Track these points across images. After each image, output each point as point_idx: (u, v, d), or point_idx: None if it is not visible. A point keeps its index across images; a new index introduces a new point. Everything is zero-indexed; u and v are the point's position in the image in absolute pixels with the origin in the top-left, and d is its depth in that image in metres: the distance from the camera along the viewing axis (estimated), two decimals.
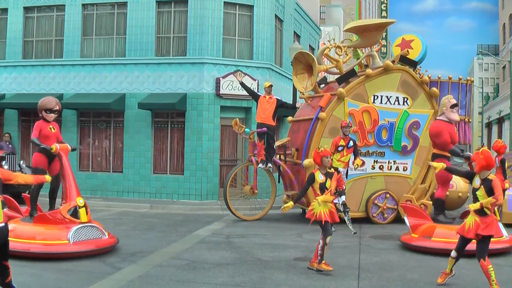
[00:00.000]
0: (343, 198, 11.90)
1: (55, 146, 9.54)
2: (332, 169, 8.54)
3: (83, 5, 19.03)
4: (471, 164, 10.61)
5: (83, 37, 19.06)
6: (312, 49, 25.99)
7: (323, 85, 15.58)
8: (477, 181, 7.20)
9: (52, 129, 9.79)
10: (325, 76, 16.60)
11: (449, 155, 11.09)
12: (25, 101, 18.49)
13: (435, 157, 11.09)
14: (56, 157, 9.74)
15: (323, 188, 8.28)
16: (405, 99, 14.01)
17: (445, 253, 8.19)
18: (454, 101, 11.22)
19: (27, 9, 19.67)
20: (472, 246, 7.32)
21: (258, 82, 17.88)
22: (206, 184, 17.59)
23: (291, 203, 8.37)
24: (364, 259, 9.34)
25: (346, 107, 13.53)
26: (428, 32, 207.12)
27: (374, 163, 13.83)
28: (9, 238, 8.83)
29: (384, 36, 56.38)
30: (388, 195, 13.70)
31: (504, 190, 11.18)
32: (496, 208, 10.25)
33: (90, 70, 18.78)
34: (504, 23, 49.72)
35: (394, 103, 13.94)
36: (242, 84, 14.58)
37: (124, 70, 18.48)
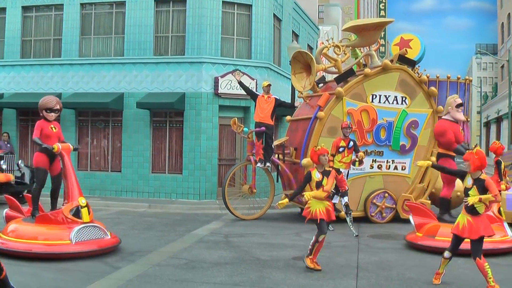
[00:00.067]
0: (345, 199, 11.95)
1: (57, 146, 9.46)
2: (330, 168, 8.55)
3: (82, 4, 19.01)
4: None
5: (81, 37, 19.04)
6: (310, 48, 26.00)
7: (322, 84, 15.58)
8: (469, 181, 7.22)
9: (53, 128, 9.70)
10: (323, 75, 16.59)
11: (454, 154, 11.08)
12: (23, 100, 18.48)
13: (439, 156, 11.09)
14: (58, 156, 9.69)
15: (319, 186, 8.30)
16: (404, 99, 14.02)
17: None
18: (459, 101, 11.23)
19: (25, 9, 19.65)
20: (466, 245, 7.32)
21: (256, 82, 17.87)
22: (205, 183, 17.59)
23: (286, 200, 8.36)
24: (362, 258, 9.35)
25: (345, 107, 13.54)
26: (427, 31, 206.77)
27: (372, 162, 13.85)
28: (11, 238, 8.87)
29: (382, 36, 56.34)
30: (386, 195, 13.71)
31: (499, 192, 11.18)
32: (501, 209, 10.30)
33: (89, 69, 18.77)
34: (503, 23, 49.77)
35: (392, 103, 13.95)
36: (240, 83, 14.58)
37: (123, 69, 18.47)
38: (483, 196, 6.96)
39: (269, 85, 14.29)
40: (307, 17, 25.81)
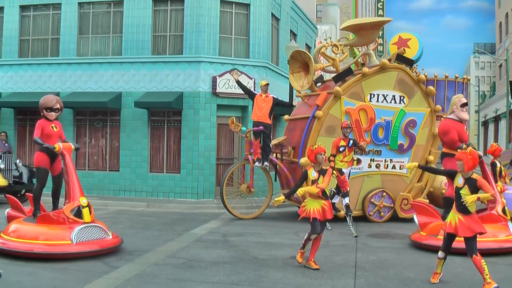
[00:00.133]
0: (346, 200, 11.97)
1: (58, 145, 9.40)
2: (330, 167, 8.57)
3: (79, 3, 18.98)
4: (482, 162, 10.70)
5: (79, 36, 19.02)
6: (308, 47, 26.00)
7: (320, 83, 15.59)
8: (460, 180, 7.24)
9: (54, 128, 9.63)
10: (321, 74, 16.60)
11: None
12: (21, 100, 18.45)
13: (444, 156, 11.08)
14: (59, 156, 9.64)
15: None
16: (402, 98, 14.03)
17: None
18: (464, 100, 11.22)
19: (23, 8, 19.61)
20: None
21: (254, 81, 17.88)
22: (203, 182, 17.59)
23: (282, 197, 8.45)
24: (360, 257, 9.35)
25: (343, 106, 13.54)
26: (425, 30, 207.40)
27: (370, 161, 13.85)
28: (12, 238, 8.85)
29: (380, 35, 56.39)
30: (384, 194, 13.72)
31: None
32: (506, 208, 10.29)
33: (87, 68, 18.75)
34: (501, 22, 49.85)
35: (390, 102, 13.95)
36: (238, 82, 14.58)
37: (121, 68, 18.45)
38: (481, 195, 6.98)
39: (267, 84, 14.30)
40: (305, 16, 25.81)
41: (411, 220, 13.70)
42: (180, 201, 17.14)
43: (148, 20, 18.25)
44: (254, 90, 16.05)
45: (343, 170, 12.20)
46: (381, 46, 53.81)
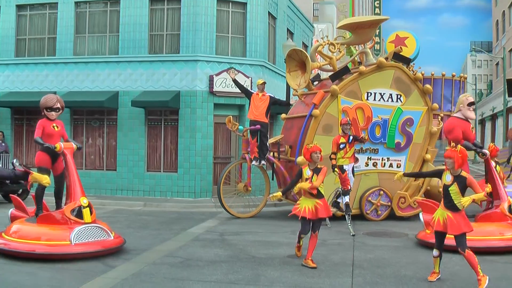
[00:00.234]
0: (346, 198, 11.98)
1: (59, 145, 9.36)
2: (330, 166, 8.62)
3: (76, 3, 18.96)
4: (488, 160, 10.73)
5: (76, 35, 18.99)
6: (305, 46, 25.99)
7: (317, 82, 15.59)
8: (448, 178, 7.25)
9: (55, 127, 9.58)
10: (318, 73, 16.58)
11: None
12: (18, 99, 18.43)
13: None
14: (61, 156, 9.60)
15: None
16: (399, 96, 14.04)
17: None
18: (471, 99, 11.24)
19: (19, 7, 19.58)
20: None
21: (251, 80, 17.87)
22: (200, 181, 17.58)
23: (279, 193, 8.62)
24: (357, 256, 9.36)
25: (340, 104, 13.54)
26: (421, 29, 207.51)
27: (367, 160, 13.86)
28: (13, 239, 8.83)
29: (377, 33, 56.45)
30: (382, 192, 13.73)
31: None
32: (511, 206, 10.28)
33: (83, 68, 18.73)
34: (497, 20, 49.88)
35: (387, 100, 13.96)
36: (235, 81, 14.58)
37: (117, 67, 18.43)
38: (475, 196, 7.01)
39: (264, 83, 14.30)
40: (302, 15, 25.81)
41: (408, 218, 13.77)
42: (177, 200, 17.14)
43: (144, 19, 18.23)
44: (251, 89, 16.05)
45: (345, 167, 12.20)
46: (378, 45, 53.89)
